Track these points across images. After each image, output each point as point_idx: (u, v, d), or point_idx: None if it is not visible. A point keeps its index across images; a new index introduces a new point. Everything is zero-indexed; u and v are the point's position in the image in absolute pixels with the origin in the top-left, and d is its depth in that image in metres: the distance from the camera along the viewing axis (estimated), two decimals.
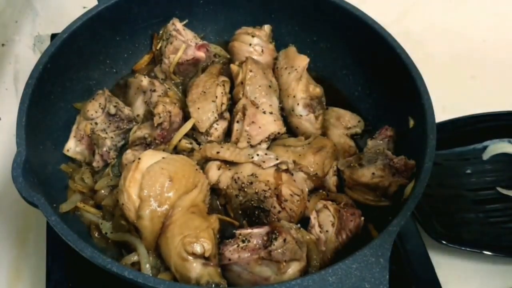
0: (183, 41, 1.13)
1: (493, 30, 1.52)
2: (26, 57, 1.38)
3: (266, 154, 0.96)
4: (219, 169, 0.97)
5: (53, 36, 1.33)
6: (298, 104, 1.05)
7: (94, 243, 0.94)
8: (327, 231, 0.90)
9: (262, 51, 1.15)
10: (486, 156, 1.19)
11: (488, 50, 1.47)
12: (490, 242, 1.07)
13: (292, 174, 0.95)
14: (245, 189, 0.93)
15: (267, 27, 1.19)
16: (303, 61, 1.08)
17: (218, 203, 0.98)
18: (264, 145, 1.02)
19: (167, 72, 1.15)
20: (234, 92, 1.08)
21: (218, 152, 0.97)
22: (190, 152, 1.01)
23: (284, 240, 0.83)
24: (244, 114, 1.02)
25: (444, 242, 1.01)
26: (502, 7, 1.58)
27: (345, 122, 1.08)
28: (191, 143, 1.02)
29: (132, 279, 0.73)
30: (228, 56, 1.20)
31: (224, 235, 0.91)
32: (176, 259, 0.82)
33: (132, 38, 1.19)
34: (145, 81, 1.08)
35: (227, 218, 0.94)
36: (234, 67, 1.09)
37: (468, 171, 1.18)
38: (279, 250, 0.82)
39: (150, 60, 1.21)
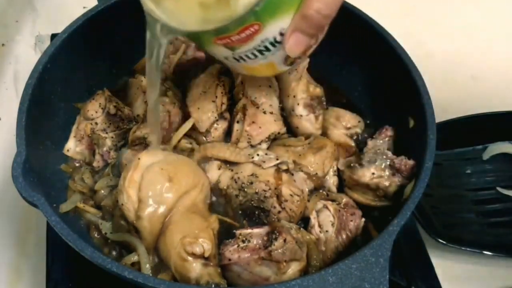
0: (183, 41, 1.13)
1: (493, 30, 1.52)
2: (26, 57, 1.37)
3: (266, 154, 0.96)
4: (219, 169, 0.97)
5: (53, 36, 1.33)
6: (298, 104, 1.05)
7: (94, 243, 0.94)
8: (327, 231, 0.91)
9: None
10: (486, 156, 1.19)
11: (488, 50, 1.47)
12: (490, 242, 1.07)
13: (292, 174, 0.95)
14: (245, 189, 0.93)
15: None
16: (303, 61, 1.08)
17: (218, 203, 0.98)
18: (264, 145, 1.02)
19: (167, 72, 1.15)
20: (234, 92, 1.08)
21: (218, 152, 0.97)
22: (190, 152, 1.01)
23: (284, 240, 0.83)
24: (244, 114, 1.02)
25: (444, 242, 1.01)
26: (502, 7, 1.58)
27: (345, 122, 1.08)
28: (191, 143, 1.02)
29: (132, 279, 0.74)
30: None
31: (224, 235, 0.91)
32: (175, 260, 0.82)
33: (132, 38, 1.18)
34: (145, 81, 1.08)
35: (227, 219, 0.94)
36: None
37: (468, 171, 1.18)
38: (279, 250, 0.82)
39: None
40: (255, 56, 0.81)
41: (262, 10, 0.72)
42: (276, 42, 0.78)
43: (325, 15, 0.75)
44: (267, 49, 0.79)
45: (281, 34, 0.77)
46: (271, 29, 0.75)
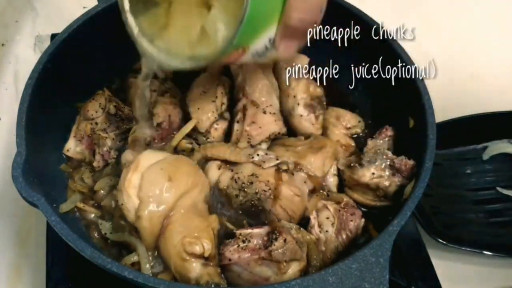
0: None
1: (493, 30, 1.52)
2: (26, 57, 1.37)
3: (266, 154, 0.96)
4: (219, 169, 0.97)
5: (53, 36, 1.33)
6: (298, 104, 1.05)
7: (94, 243, 0.94)
8: (327, 231, 0.90)
9: None
10: (486, 156, 1.19)
11: (488, 50, 1.47)
12: (490, 242, 1.07)
13: (293, 174, 0.95)
14: (245, 189, 0.92)
15: None
16: (303, 60, 1.08)
17: (218, 203, 0.98)
18: (264, 145, 1.02)
19: (167, 72, 1.14)
20: (234, 92, 1.08)
21: (218, 152, 0.97)
22: (190, 152, 1.01)
23: (285, 240, 0.83)
24: (244, 114, 1.02)
25: (444, 242, 1.01)
26: (502, 7, 1.58)
27: (345, 122, 1.08)
28: (191, 143, 1.02)
29: (132, 279, 0.74)
30: None
31: (224, 235, 0.91)
32: (175, 259, 0.82)
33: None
34: None
35: (227, 223, 0.93)
36: (234, 67, 1.09)
37: (468, 171, 1.18)
38: (279, 250, 0.82)
39: None
40: (257, 57, 0.83)
41: (241, 39, 0.73)
42: (268, 48, 0.81)
43: (308, 21, 0.77)
44: (264, 53, 0.82)
45: (271, 40, 0.79)
46: (259, 43, 0.78)
